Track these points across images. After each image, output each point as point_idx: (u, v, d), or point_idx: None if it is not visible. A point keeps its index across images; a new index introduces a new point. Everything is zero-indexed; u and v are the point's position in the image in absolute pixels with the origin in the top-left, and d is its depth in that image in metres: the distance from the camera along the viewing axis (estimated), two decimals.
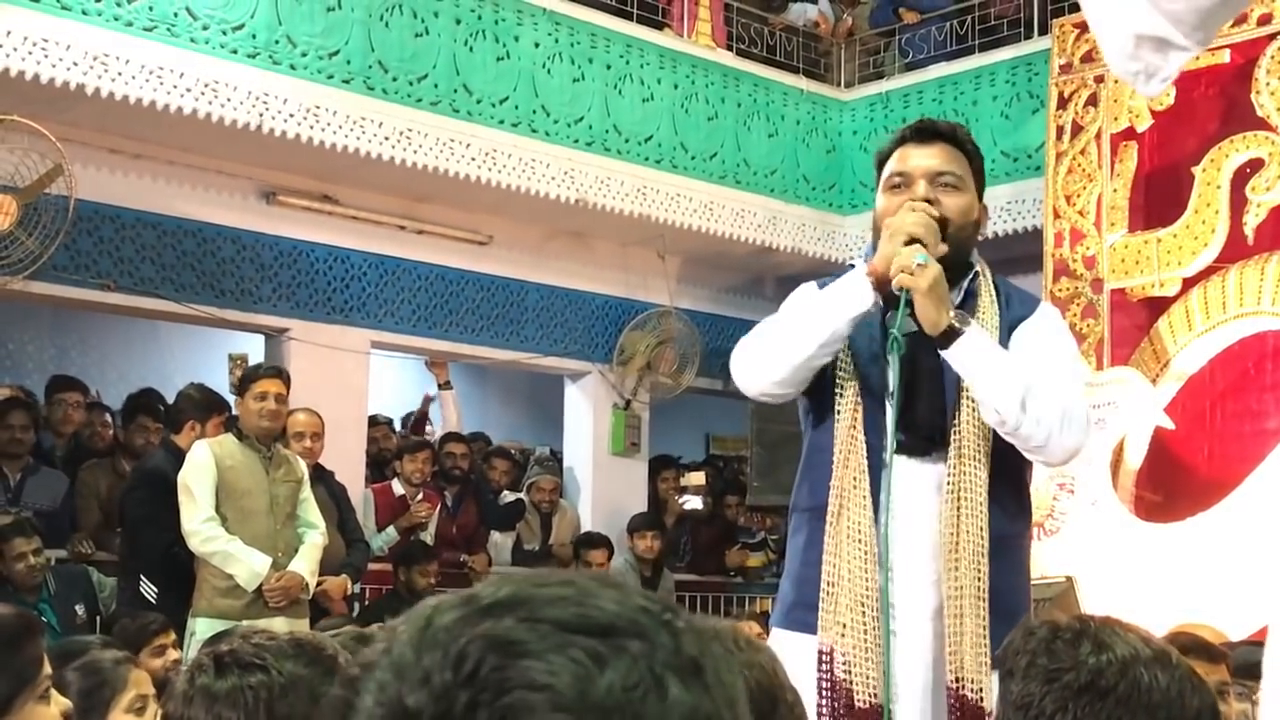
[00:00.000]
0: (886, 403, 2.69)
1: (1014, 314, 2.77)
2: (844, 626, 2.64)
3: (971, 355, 2.60)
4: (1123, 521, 6.64)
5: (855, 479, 2.69)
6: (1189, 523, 6.50)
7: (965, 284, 2.76)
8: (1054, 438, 2.62)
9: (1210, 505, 6.48)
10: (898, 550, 2.65)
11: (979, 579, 2.62)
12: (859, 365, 2.75)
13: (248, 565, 5.47)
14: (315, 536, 5.80)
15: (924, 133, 2.78)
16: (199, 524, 5.46)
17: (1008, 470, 2.71)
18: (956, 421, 2.67)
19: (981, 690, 2.57)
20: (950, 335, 2.59)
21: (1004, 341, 2.71)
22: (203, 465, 5.52)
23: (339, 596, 6.39)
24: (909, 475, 2.68)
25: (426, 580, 7.12)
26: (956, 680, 2.59)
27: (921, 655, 2.65)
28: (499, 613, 0.76)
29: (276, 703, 1.92)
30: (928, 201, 2.68)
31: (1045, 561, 6.59)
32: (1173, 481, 6.76)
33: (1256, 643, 4.46)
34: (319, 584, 6.25)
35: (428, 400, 9.78)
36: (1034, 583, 6.08)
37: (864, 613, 2.65)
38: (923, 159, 2.74)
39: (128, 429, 7.31)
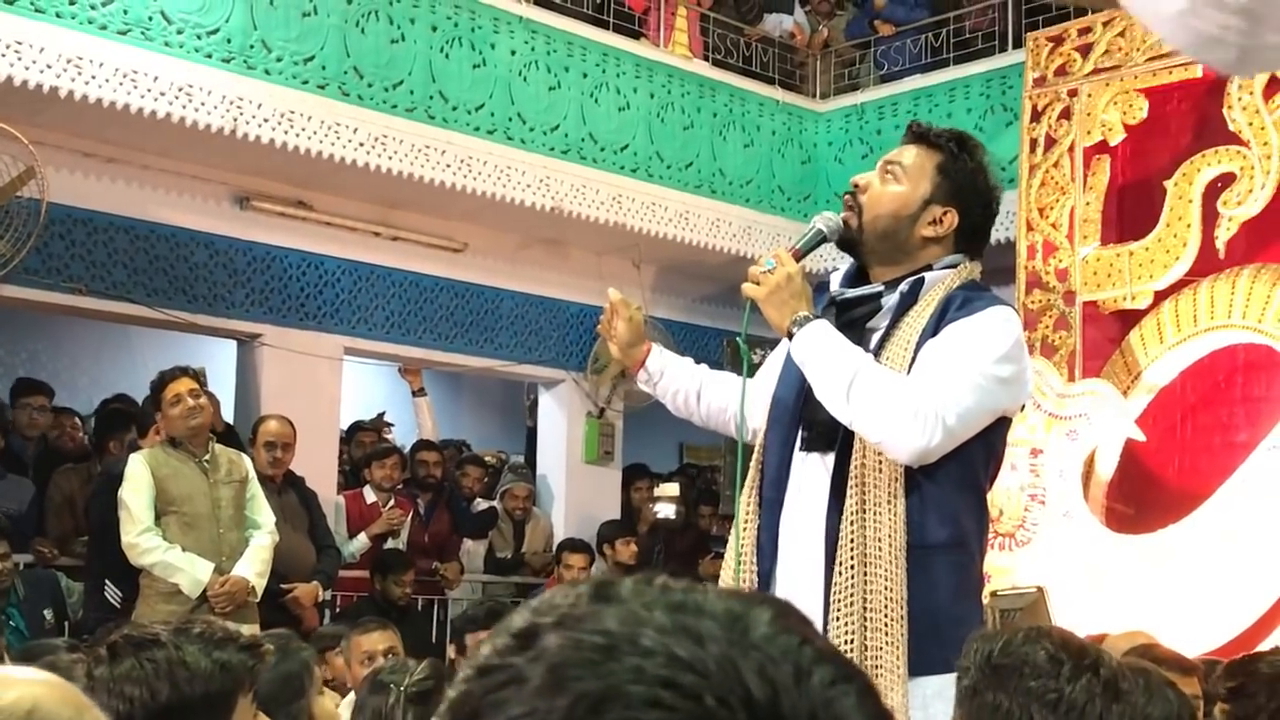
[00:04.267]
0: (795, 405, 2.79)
1: (948, 319, 2.68)
2: None
3: (802, 351, 2.66)
4: (1094, 533, 6.67)
5: (751, 479, 2.82)
6: (1159, 535, 6.53)
7: (903, 287, 2.73)
8: (888, 433, 2.54)
9: (1181, 517, 6.51)
10: (787, 545, 2.72)
11: (867, 582, 2.57)
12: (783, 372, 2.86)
13: (189, 574, 5.39)
14: (262, 537, 5.69)
15: (908, 133, 2.91)
16: (135, 536, 5.40)
17: (917, 475, 2.61)
18: None
19: None
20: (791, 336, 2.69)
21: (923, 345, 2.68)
22: (137, 478, 5.44)
23: (310, 603, 6.36)
24: (809, 471, 2.74)
25: (402, 590, 7.10)
26: None
27: None
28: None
29: (179, 676, 1.91)
30: (855, 186, 2.83)
31: (1016, 572, 6.62)
32: (1143, 493, 6.80)
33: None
34: (290, 590, 6.22)
35: None
36: (1004, 593, 6.17)
37: None
38: (888, 153, 2.89)
39: (102, 437, 7.24)
